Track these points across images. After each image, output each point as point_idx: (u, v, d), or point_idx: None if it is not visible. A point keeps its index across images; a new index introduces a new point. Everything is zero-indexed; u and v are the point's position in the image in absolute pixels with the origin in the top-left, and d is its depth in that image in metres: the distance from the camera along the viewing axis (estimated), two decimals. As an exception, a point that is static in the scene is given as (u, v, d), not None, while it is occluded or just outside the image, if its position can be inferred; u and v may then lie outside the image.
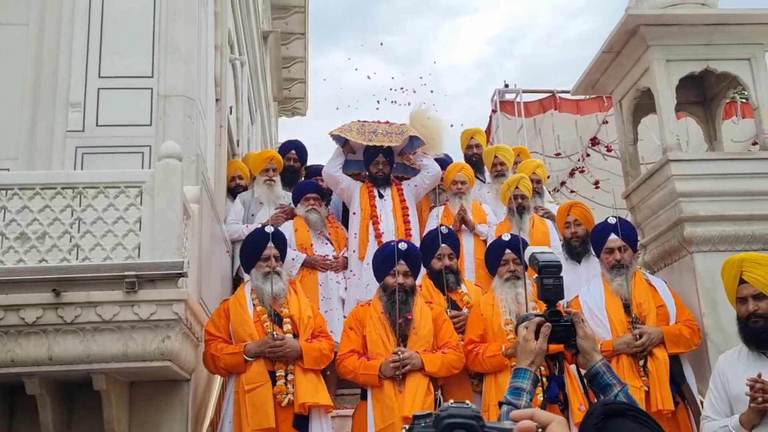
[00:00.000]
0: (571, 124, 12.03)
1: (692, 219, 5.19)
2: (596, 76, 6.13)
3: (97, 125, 5.08)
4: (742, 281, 3.55)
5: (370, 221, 6.69)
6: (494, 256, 5.17)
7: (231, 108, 9.23)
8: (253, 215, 6.99)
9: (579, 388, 4.30)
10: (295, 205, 6.90)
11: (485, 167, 7.84)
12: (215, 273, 5.95)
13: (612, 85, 6.18)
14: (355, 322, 4.92)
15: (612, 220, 5.06)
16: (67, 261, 4.06)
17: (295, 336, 4.75)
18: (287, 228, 6.60)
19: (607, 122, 11.77)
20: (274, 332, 4.65)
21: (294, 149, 7.76)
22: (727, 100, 6.13)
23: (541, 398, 4.25)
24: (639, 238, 5.95)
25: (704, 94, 6.15)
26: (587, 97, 10.63)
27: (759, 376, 3.31)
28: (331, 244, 6.74)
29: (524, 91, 11.62)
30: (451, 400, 0.78)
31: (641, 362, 4.59)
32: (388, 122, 7.11)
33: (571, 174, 13.05)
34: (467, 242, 6.78)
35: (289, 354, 4.64)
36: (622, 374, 4.27)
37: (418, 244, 6.63)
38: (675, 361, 4.70)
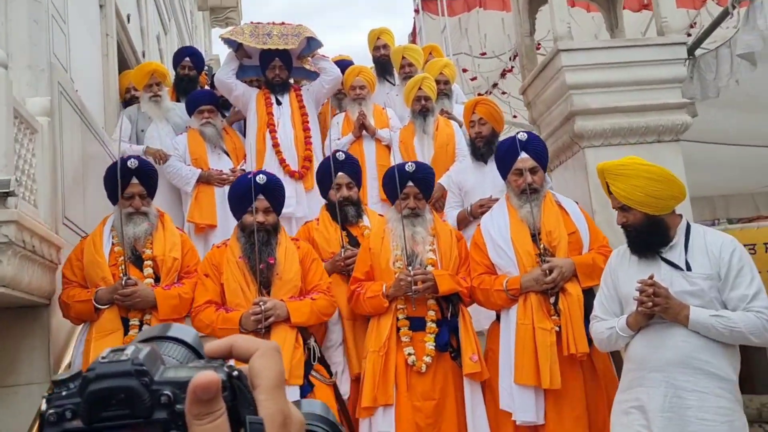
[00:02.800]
0: (498, 22, 11.56)
1: (583, 112, 4.93)
2: (491, -37, 5.72)
3: (-70, 32, 4.59)
4: (610, 192, 3.42)
5: (267, 130, 6.33)
6: (394, 186, 4.32)
7: (128, 16, 8.68)
8: (142, 131, 6.55)
9: (473, 334, 4.08)
10: (189, 116, 6.46)
11: (394, 69, 7.48)
12: (93, 192, 5.57)
13: (507, -28, 5.79)
14: (211, 268, 4.24)
15: (522, 136, 4.32)
16: None
17: (158, 280, 4.23)
18: (180, 141, 6.27)
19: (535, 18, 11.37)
20: (126, 277, 4.09)
21: (188, 56, 7.21)
22: (627, -15, 5.77)
23: (431, 346, 4.02)
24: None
25: (604, -20, 5.80)
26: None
27: (651, 277, 3.17)
28: (229, 156, 6.38)
29: (447, -12, 11.09)
30: (107, 350, 0.53)
31: (552, 299, 4.00)
32: (283, 23, 6.63)
33: (502, 75, 12.67)
34: (368, 149, 6.51)
35: (141, 304, 4.11)
36: (529, 314, 3.91)
37: (318, 152, 6.39)
38: (590, 295, 4.08)
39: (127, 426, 0.50)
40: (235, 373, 0.53)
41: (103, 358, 0.52)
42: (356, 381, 4.31)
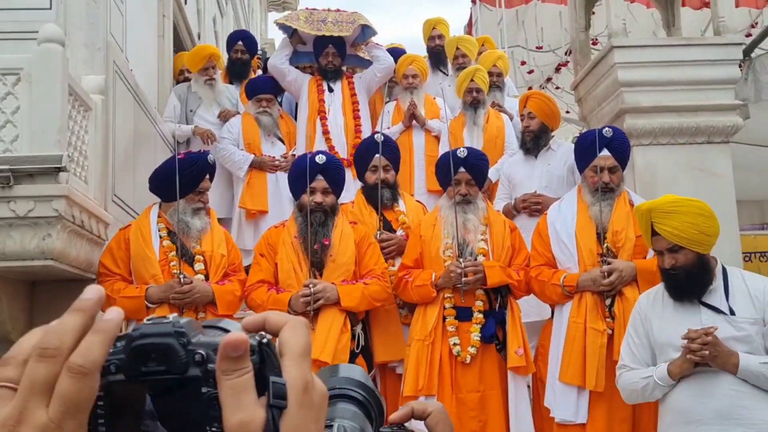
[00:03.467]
0: (555, 16, 11.43)
1: (634, 110, 4.87)
2: (547, -44, 5.66)
3: (-8, 9, 4.72)
4: (654, 233, 3.15)
5: (317, 117, 6.37)
6: (446, 171, 4.27)
7: (185, -2, 8.81)
8: (191, 111, 6.65)
9: (520, 327, 4.02)
10: (249, 100, 6.50)
11: (448, 60, 7.45)
12: (143, 171, 5.68)
13: (563, -34, 5.72)
14: (267, 248, 4.22)
15: (608, 132, 4.10)
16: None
17: (207, 278, 4.14)
18: (234, 125, 6.32)
19: (594, 12, 11.21)
20: (183, 275, 3.99)
21: (241, 40, 7.27)
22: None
23: (476, 337, 3.96)
24: (584, 131, 5.65)
25: (663, -24, 5.69)
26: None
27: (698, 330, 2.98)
28: (283, 143, 6.43)
29: (505, -20, 11.00)
30: (152, 316, 0.59)
31: (608, 302, 3.87)
32: (338, 10, 6.68)
33: (557, 69, 12.53)
34: (418, 139, 6.51)
35: (199, 300, 4.03)
36: (583, 313, 3.82)
37: None
38: None
39: (163, 380, 0.55)
40: (265, 340, 0.57)
41: (148, 320, 0.58)
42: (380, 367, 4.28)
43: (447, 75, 7.51)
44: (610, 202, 4.01)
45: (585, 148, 4.15)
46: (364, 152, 4.73)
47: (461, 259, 4.00)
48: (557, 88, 12.50)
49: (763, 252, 7.48)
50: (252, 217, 6.09)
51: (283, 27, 6.64)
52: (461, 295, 3.99)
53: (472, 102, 6.19)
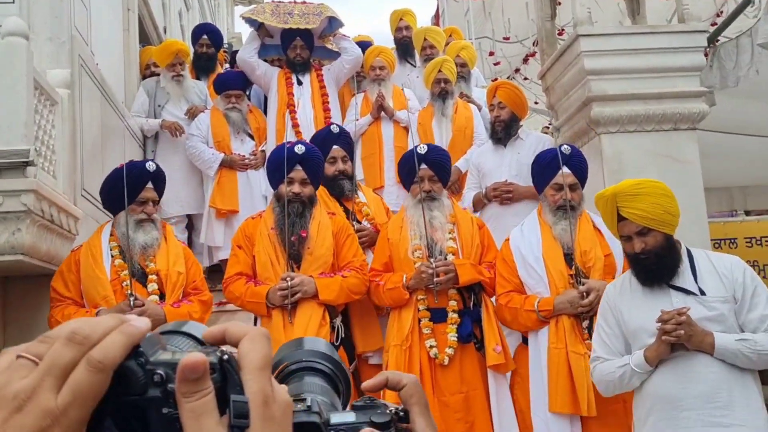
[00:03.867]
0: (522, 7, 11.49)
1: (601, 98, 4.90)
2: (513, -54, 5.69)
3: (-46, 3, 4.65)
4: (621, 218, 3.09)
5: (287, 110, 6.34)
6: (408, 169, 4.22)
7: (151, -9, 8.72)
8: (159, 106, 6.60)
9: (496, 324, 3.95)
10: (218, 94, 6.46)
11: (415, 51, 7.47)
12: (111, 165, 5.63)
13: (530, -45, 5.75)
14: (244, 239, 4.11)
15: (566, 149, 4.02)
16: None
17: (163, 297, 3.87)
18: (203, 121, 6.29)
19: (560, 3, 11.28)
20: (134, 296, 3.71)
21: (206, 34, 7.22)
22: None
23: (453, 337, 3.87)
24: (552, 120, 5.71)
25: (628, -36, 5.74)
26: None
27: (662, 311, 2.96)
28: (253, 139, 6.40)
29: (471, -29, 11.05)
30: None
31: (585, 323, 3.76)
32: (304, 2, 6.65)
33: (525, 60, 12.59)
34: (387, 130, 6.51)
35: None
36: (562, 337, 3.71)
37: None
38: None
39: (122, 402, 0.54)
40: (225, 356, 0.56)
41: None
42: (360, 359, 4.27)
43: (414, 66, 7.53)
44: (573, 221, 3.91)
45: (544, 166, 4.05)
46: (320, 143, 4.58)
47: (432, 259, 3.94)
48: (525, 78, 12.55)
49: (732, 239, 7.60)
50: (222, 216, 6.10)
51: (249, 21, 6.62)
52: (434, 295, 3.92)
53: (440, 93, 6.20)
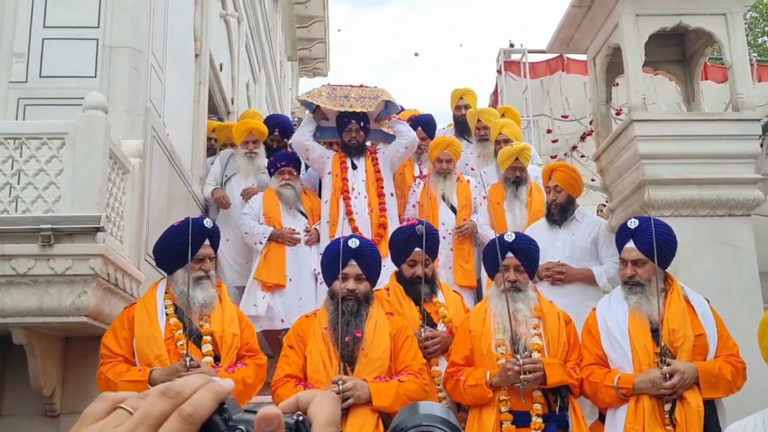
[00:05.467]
0: (580, 86, 11.66)
1: (655, 182, 4.95)
2: (570, 32, 5.85)
3: (40, 76, 4.98)
4: None
5: (341, 196, 6.15)
6: (493, 258, 4.03)
7: (221, 65, 9.13)
8: (227, 176, 6.81)
9: (585, 427, 3.77)
10: (270, 176, 6.49)
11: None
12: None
13: (586, 41, 5.90)
14: (296, 339, 3.90)
15: (632, 224, 3.92)
16: (-17, 213, 4.00)
17: (217, 359, 3.78)
18: (257, 200, 6.32)
19: (617, 84, 11.40)
20: (189, 357, 3.62)
21: (276, 128, 7.27)
22: (706, 59, 5.80)
23: None
24: (608, 201, 5.75)
25: (683, 52, 5.84)
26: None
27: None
28: (305, 217, 6.33)
29: (529, 51, 11.28)
30: None
31: (667, 407, 3.59)
32: (361, 86, 6.57)
33: (582, 138, 12.74)
34: (446, 217, 6.31)
35: None
36: (641, 418, 3.55)
37: (394, 216, 6.24)
38: (709, 407, 3.64)
39: None
40: (300, 418, 0.65)
41: None
42: None
43: (470, 143, 7.65)
44: (645, 294, 3.81)
45: (617, 241, 4.06)
46: (402, 243, 4.44)
47: (518, 356, 3.74)
48: (582, 156, 12.68)
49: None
50: (268, 290, 5.96)
51: (305, 103, 6.47)
52: (521, 395, 3.70)
53: (515, 180, 6.10)
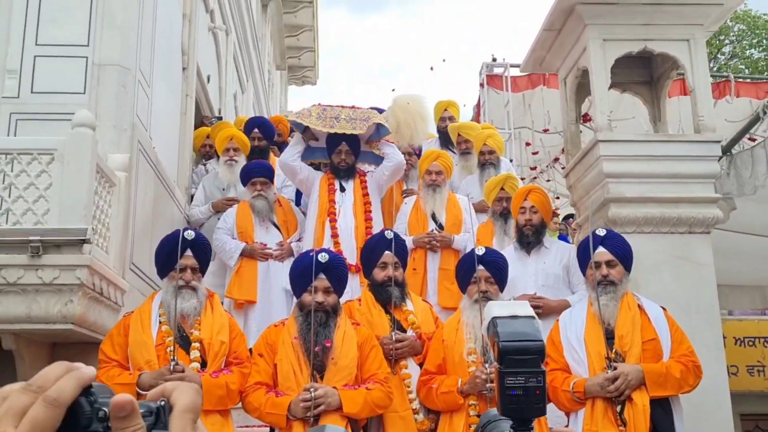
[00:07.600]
0: (561, 100, 11.93)
1: (618, 200, 5.20)
2: (542, 53, 6.11)
3: (32, 92, 5.20)
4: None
5: (327, 218, 6.03)
6: (465, 271, 4.34)
7: (209, 77, 9.34)
8: (223, 189, 6.93)
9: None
10: (244, 186, 6.39)
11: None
12: (159, 238, 6.04)
13: (557, 63, 6.16)
14: (266, 347, 4.08)
15: (601, 232, 4.27)
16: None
17: (205, 365, 3.97)
18: (230, 214, 6.25)
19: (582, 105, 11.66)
20: (174, 362, 3.81)
21: (257, 127, 7.35)
22: (671, 80, 6.06)
23: None
24: (576, 216, 5.98)
25: (651, 74, 6.10)
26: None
27: None
28: (279, 230, 6.24)
29: (511, 65, 11.52)
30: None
31: (618, 408, 3.83)
32: (353, 107, 6.37)
33: (563, 150, 12.94)
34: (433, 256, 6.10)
35: None
36: (597, 420, 3.80)
37: None
38: (662, 407, 3.92)
39: None
40: (162, 403, 0.70)
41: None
42: None
43: (455, 153, 7.74)
44: (612, 297, 4.05)
45: (584, 251, 4.26)
46: (373, 248, 4.62)
47: (487, 365, 3.96)
48: (563, 168, 12.90)
49: (766, 337, 7.67)
50: (240, 308, 5.88)
51: (295, 123, 6.31)
52: (487, 401, 3.90)
53: (502, 212, 5.88)
